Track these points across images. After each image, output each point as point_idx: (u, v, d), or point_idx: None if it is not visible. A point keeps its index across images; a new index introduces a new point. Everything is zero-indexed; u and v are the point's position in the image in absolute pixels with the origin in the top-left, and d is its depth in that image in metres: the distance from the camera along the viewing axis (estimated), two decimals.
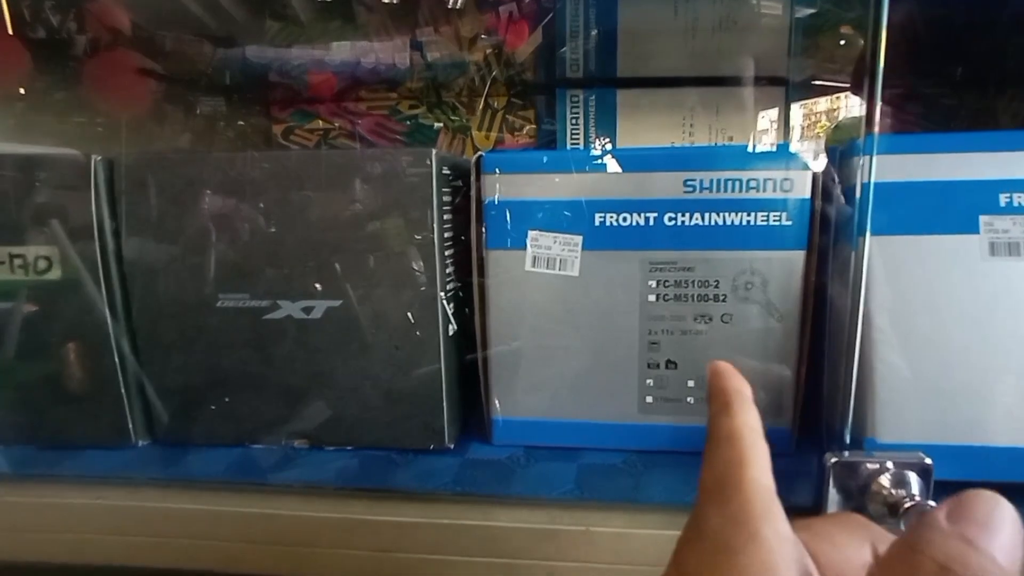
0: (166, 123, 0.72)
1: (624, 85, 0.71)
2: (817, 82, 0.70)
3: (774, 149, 0.36)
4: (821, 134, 0.67)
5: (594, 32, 0.69)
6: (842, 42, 0.68)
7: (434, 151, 0.37)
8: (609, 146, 0.71)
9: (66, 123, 0.64)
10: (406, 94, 0.77)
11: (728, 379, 0.21)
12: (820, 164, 0.36)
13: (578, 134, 0.73)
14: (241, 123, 0.78)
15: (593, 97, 0.72)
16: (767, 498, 0.18)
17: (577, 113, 0.73)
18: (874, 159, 0.31)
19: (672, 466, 0.39)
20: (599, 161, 0.38)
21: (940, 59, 0.66)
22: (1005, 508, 0.15)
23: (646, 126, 0.71)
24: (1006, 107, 0.66)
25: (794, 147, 0.36)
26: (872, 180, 0.31)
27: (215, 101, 0.76)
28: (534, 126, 0.77)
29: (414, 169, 0.37)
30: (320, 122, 0.79)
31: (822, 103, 0.70)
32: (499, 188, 0.39)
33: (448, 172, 0.40)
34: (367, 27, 0.73)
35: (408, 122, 0.77)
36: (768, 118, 0.69)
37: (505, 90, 0.76)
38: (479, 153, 0.39)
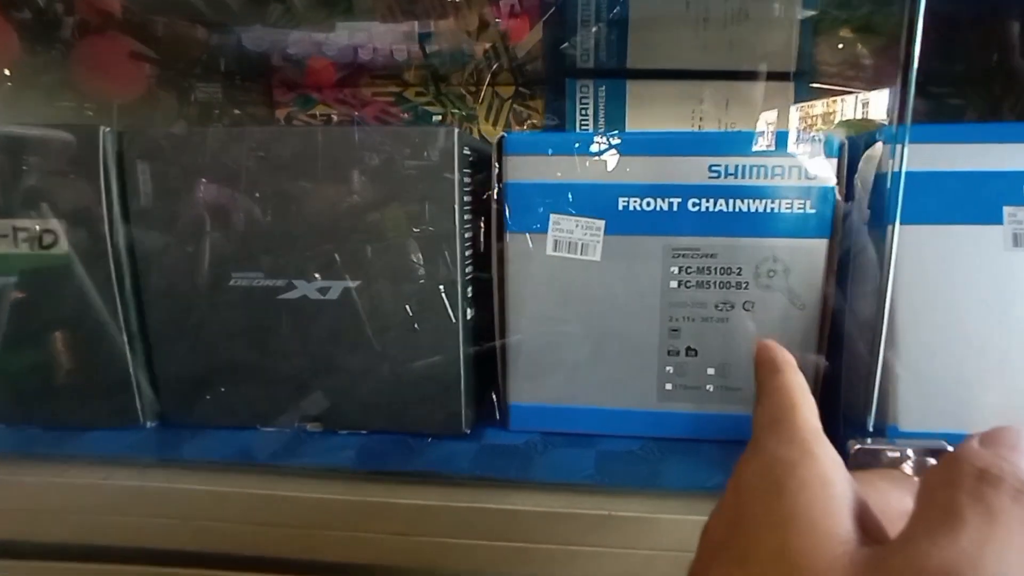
0: (162, 107, 0.71)
1: (634, 76, 0.71)
2: (826, 79, 0.70)
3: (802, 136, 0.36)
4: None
5: (605, 22, 0.69)
6: (843, 38, 0.68)
7: (457, 129, 0.37)
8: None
9: (57, 107, 0.63)
10: (412, 82, 0.77)
11: (775, 350, 0.24)
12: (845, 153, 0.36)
13: (587, 125, 0.72)
14: (242, 108, 0.77)
15: (603, 88, 0.72)
16: (818, 431, 0.20)
17: (587, 104, 0.72)
18: (906, 148, 0.31)
19: (690, 453, 0.38)
20: (624, 143, 0.38)
21: (946, 58, 0.66)
22: None
23: (655, 118, 0.71)
24: (1012, 106, 0.66)
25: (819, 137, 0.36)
26: (903, 169, 0.31)
27: (216, 85, 0.75)
28: (540, 116, 0.77)
29: (437, 147, 0.37)
30: (323, 107, 0.78)
31: (818, 106, 0.70)
32: (521, 170, 0.38)
33: (469, 153, 0.39)
34: (371, 14, 0.72)
35: (413, 111, 0.76)
36: (777, 112, 0.69)
37: (512, 80, 0.76)
38: (501, 134, 0.39)
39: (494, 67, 0.73)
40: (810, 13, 0.65)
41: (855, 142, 0.37)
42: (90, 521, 0.39)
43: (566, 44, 0.69)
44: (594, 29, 0.69)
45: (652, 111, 0.71)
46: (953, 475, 0.16)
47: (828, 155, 0.36)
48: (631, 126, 0.71)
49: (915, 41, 0.28)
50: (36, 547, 0.39)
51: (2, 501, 0.39)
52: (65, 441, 0.40)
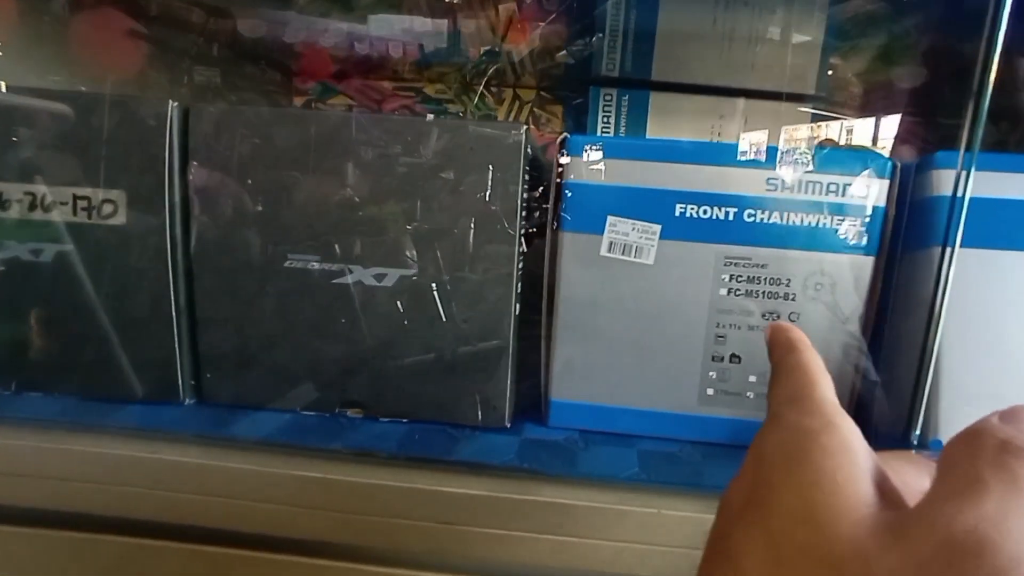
0: (173, 87, 0.69)
1: (658, 88, 0.72)
2: (842, 104, 0.72)
3: (857, 154, 0.38)
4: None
5: (633, 33, 0.70)
6: (861, 65, 0.70)
7: (525, 127, 0.37)
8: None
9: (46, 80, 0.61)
10: (434, 78, 0.77)
11: (790, 330, 0.25)
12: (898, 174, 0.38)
13: (608, 132, 0.73)
14: (261, 94, 0.76)
15: (627, 97, 0.73)
16: (837, 405, 0.20)
17: (609, 111, 0.73)
18: (971, 175, 0.32)
19: (729, 458, 0.39)
20: (684, 152, 0.39)
21: (959, 91, 0.69)
22: None
23: (675, 130, 0.72)
24: (1018, 141, 0.69)
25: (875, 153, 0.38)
26: (967, 195, 0.32)
27: (238, 67, 0.74)
28: (560, 121, 0.78)
29: (507, 145, 0.37)
30: (343, 98, 0.78)
31: (803, 130, 0.72)
32: (581, 171, 0.39)
33: (530, 151, 0.40)
34: (401, 6, 0.71)
35: (432, 106, 0.76)
36: (793, 133, 0.70)
37: (535, 82, 0.77)
38: (564, 135, 0.39)
39: (491, 70, 0.73)
40: (831, 39, 0.67)
41: (908, 164, 0.39)
42: (124, 493, 0.38)
43: (564, 52, 0.69)
44: (622, 39, 0.70)
45: (672, 123, 0.73)
46: (975, 447, 0.16)
47: (880, 176, 0.38)
48: (651, 136, 0.72)
49: (990, 71, 0.30)
50: (63, 516, 0.38)
51: (29, 468, 0.38)
52: (106, 413, 0.40)
